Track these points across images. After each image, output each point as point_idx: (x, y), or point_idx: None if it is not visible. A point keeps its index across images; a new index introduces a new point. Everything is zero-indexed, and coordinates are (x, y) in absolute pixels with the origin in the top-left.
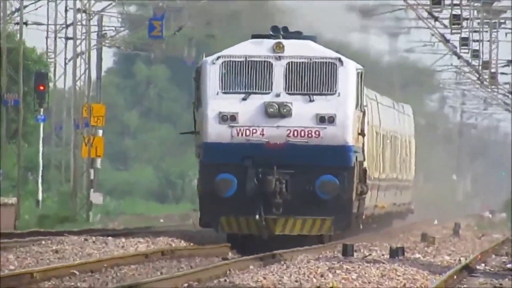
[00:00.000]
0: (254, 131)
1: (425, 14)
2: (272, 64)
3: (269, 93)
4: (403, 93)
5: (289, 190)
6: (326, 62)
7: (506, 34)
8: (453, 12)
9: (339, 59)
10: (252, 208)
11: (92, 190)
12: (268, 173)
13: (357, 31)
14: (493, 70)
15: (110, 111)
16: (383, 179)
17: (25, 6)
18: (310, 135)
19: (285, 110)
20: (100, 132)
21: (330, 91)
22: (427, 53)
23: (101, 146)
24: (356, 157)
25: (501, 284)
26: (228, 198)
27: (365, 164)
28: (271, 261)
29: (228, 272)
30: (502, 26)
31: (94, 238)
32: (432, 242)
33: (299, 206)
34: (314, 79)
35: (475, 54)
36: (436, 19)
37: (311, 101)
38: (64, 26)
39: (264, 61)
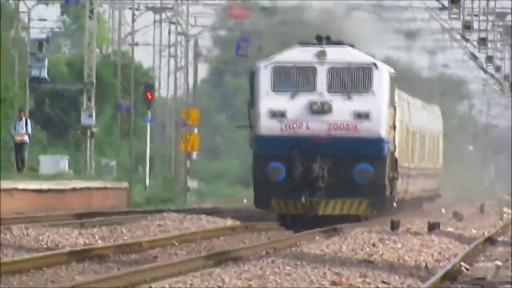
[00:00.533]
0: (300, 125)
1: (458, 37)
2: (316, 69)
3: (313, 92)
4: (441, 100)
5: (330, 176)
6: (363, 66)
7: None
8: (480, 36)
9: (374, 64)
10: (298, 192)
11: (188, 176)
12: (312, 162)
13: (404, 49)
14: None
15: (203, 114)
16: (412, 168)
17: (136, 30)
18: (348, 129)
19: (326, 107)
20: (195, 130)
21: (366, 90)
22: (459, 68)
23: (196, 142)
24: (388, 147)
25: None
26: (278, 183)
27: (396, 155)
28: (333, 233)
29: (298, 242)
30: None
31: (190, 215)
32: (462, 219)
33: (339, 190)
34: (352, 80)
35: (498, 69)
36: (467, 41)
37: (349, 99)
38: (167, 46)
39: (309, 66)
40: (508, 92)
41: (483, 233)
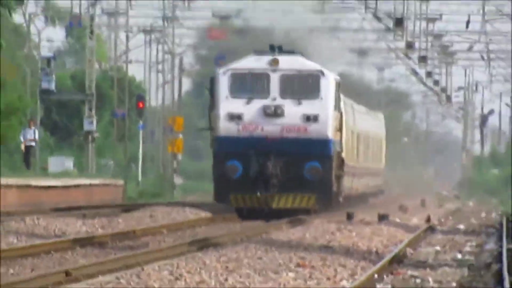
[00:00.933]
0: (256, 127)
1: (402, 55)
2: (269, 75)
3: (267, 96)
4: (387, 109)
5: (282, 173)
6: (311, 74)
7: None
8: (421, 54)
9: (321, 71)
10: (254, 188)
11: (175, 174)
12: (266, 160)
13: (356, 65)
14: (448, 94)
15: (187, 121)
16: (357, 167)
17: (130, 49)
18: (299, 131)
19: (279, 111)
20: (180, 135)
21: (314, 96)
22: (403, 82)
23: (181, 145)
24: (335, 148)
25: (453, 238)
26: (235, 179)
27: (343, 155)
28: (297, 223)
29: (267, 231)
30: (454, 63)
31: (176, 208)
32: (406, 211)
33: (290, 186)
34: (302, 86)
35: (436, 82)
36: (409, 58)
37: (299, 104)
38: (156, 63)
39: (263, 73)
40: (444, 102)
41: (424, 223)
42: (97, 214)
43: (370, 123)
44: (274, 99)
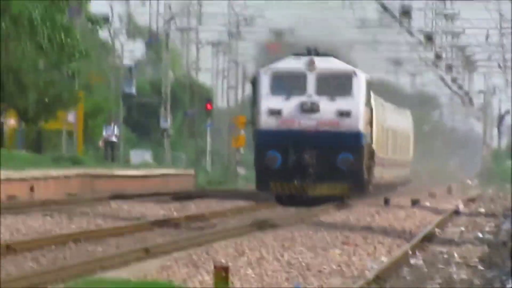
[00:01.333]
0: (293, 122)
1: (431, 64)
2: (306, 75)
3: (303, 94)
4: (418, 109)
5: (318, 163)
6: (344, 73)
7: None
8: (447, 63)
9: (354, 71)
10: (292, 176)
11: (238, 166)
12: (303, 152)
13: (392, 72)
14: (470, 96)
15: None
16: (387, 159)
17: (200, 59)
18: (332, 124)
19: (315, 107)
20: (242, 132)
21: (347, 93)
22: (433, 86)
23: (243, 140)
24: (365, 140)
25: (475, 220)
26: (275, 169)
27: (373, 147)
28: (342, 207)
29: (317, 214)
30: (475, 71)
31: (240, 194)
32: (435, 197)
33: (325, 175)
34: (335, 85)
35: (460, 87)
36: (437, 67)
37: (333, 100)
38: (222, 70)
39: (301, 73)
40: (467, 104)
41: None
42: (172, 199)
43: (399, 119)
44: (310, 96)
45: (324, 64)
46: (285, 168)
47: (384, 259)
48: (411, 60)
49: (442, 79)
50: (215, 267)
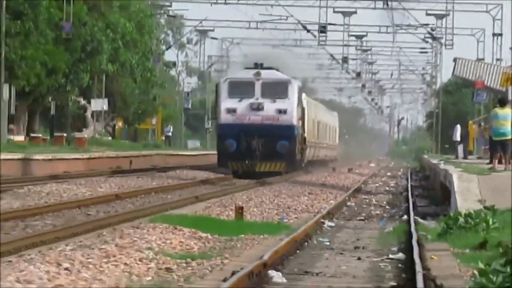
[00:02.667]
0: (245, 117)
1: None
2: (254, 83)
3: (252, 97)
4: (352, 117)
5: (263, 148)
6: (283, 81)
7: None
8: (367, 87)
9: (289, 80)
10: (244, 157)
11: None
12: (252, 140)
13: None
14: (382, 109)
15: None
16: (317, 143)
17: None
18: (273, 120)
19: (260, 106)
20: None
21: (284, 96)
22: (361, 104)
23: None
24: (297, 131)
25: (385, 180)
26: (232, 152)
27: (305, 135)
28: (308, 172)
29: (293, 177)
30: (385, 93)
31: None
32: (361, 166)
33: (268, 157)
34: (276, 90)
35: (376, 103)
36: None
37: (274, 101)
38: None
39: (250, 81)
40: (380, 113)
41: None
42: (211, 168)
43: (328, 117)
44: (257, 98)
45: (268, 74)
46: (238, 151)
47: (333, 202)
48: (348, 88)
49: (366, 99)
50: (235, 207)
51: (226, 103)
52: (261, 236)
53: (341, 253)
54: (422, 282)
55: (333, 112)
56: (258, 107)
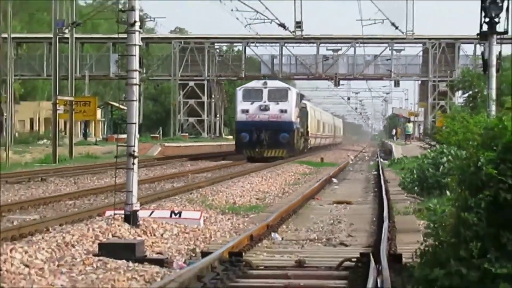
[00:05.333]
0: (255, 116)
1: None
2: (262, 90)
3: (261, 101)
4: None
5: (269, 139)
6: (284, 89)
7: None
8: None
9: (289, 88)
10: (255, 146)
11: None
12: (260, 133)
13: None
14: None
15: None
16: (320, 135)
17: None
18: (277, 117)
19: (267, 108)
20: None
21: (285, 100)
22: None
23: None
24: (296, 126)
25: (364, 157)
26: (245, 142)
27: (308, 129)
28: (307, 154)
29: (295, 158)
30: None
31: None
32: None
33: (273, 146)
34: (278, 95)
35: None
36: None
37: (277, 104)
38: None
39: (259, 89)
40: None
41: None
42: (231, 156)
43: (331, 119)
44: (265, 101)
45: (273, 84)
46: (250, 142)
47: (330, 172)
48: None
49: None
50: (320, 158)
51: (242, 105)
52: (330, 167)
53: (355, 172)
54: (383, 180)
55: (339, 118)
56: (266, 108)
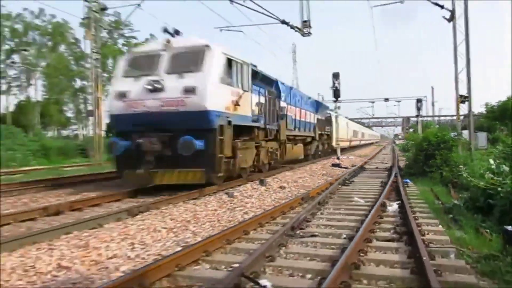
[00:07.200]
0: (138, 104)
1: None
2: (160, 55)
3: (152, 74)
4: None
5: (163, 148)
6: (196, 49)
7: None
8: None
9: (207, 45)
10: (137, 163)
11: None
12: (147, 136)
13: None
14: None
15: None
16: (353, 139)
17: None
18: (177, 104)
19: (160, 87)
20: None
21: (197, 70)
22: None
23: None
24: (226, 120)
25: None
26: (121, 156)
27: (333, 134)
28: (293, 167)
29: (302, 164)
30: None
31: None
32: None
33: (171, 162)
34: (187, 62)
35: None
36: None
37: (181, 78)
38: None
39: (155, 54)
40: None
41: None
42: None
43: (365, 129)
44: (159, 75)
45: (180, 42)
46: (129, 155)
47: (339, 172)
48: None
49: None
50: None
51: (119, 84)
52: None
53: (371, 166)
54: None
55: (376, 131)
56: (157, 88)
